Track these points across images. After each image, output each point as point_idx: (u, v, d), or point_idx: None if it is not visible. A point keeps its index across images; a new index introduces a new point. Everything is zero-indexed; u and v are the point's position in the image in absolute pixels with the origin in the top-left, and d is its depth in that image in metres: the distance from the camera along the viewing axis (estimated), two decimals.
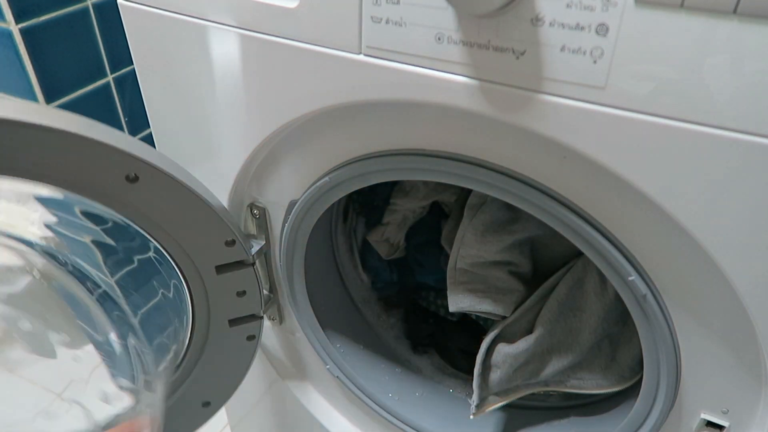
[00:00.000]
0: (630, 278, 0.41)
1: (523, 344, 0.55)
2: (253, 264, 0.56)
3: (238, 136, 0.52)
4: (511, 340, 0.56)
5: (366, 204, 0.69)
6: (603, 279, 0.54)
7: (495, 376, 0.56)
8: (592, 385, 0.56)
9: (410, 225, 0.69)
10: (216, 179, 0.56)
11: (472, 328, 0.76)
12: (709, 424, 0.46)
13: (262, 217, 0.59)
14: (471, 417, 0.57)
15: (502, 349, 0.55)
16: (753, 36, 0.29)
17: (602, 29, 0.33)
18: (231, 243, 0.53)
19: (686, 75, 0.32)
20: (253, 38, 0.44)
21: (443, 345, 0.73)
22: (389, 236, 0.69)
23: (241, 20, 0.44)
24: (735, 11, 0.29)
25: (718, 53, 0.30)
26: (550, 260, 0.58)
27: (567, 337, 0.55)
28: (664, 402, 0.46)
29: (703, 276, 0.39)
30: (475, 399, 0.56)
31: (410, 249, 0.72)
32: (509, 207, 0.56)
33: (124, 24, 0.52)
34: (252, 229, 0.61)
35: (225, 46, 0.46)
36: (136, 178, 0.44)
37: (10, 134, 0.38)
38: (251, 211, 0.60)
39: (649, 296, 0.42)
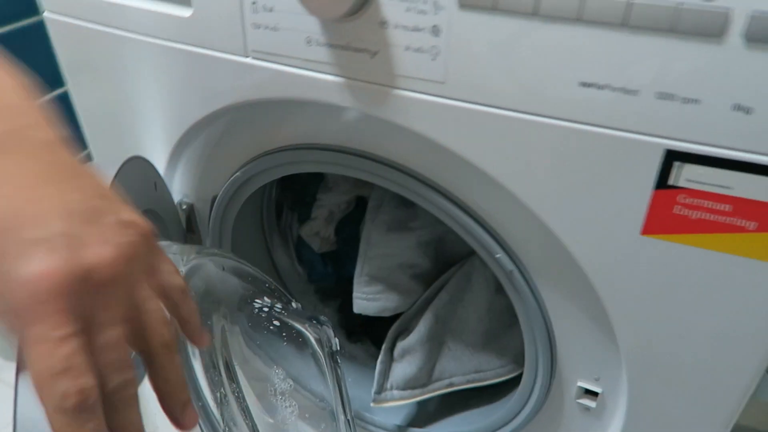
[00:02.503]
0: (497, 256, 0.46)
1: (415, 335, 0.59)
2: None
3: (156, 136, 0.56)
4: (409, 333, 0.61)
5: (296, 200, 0.73)
6: (488, 272, 0.58)
7: (398, 368, 0.60)
8: (492, 375, 0.60)
9: (338, 219, 0.73)
10: None
11: None
12: (587, 392, 0.50)
13: (190, 213, 0.63)
14: (371, 405, 0.61)
15: (399, 344, 0.60)
16: (550, 32, 0.34)
17: (435, 30, 0.37)
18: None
19: (504, 67, 0.36)
20: (154, 45, 0.48)
21: (376, 334, 0.77)
22: (319, 230, 0.73)
23: (143, 29, 0.49)
24: (536, 12, 0.34)
25: (525, 48, 0.35)
26: (451, 259, 0.63)
27: (458, 326, 0.59)
28: (543, 373, 0.50)
29: (558, 253, 0.43)
30: (374, 386, 0.60)
31: (340, 242, 0.76)
32: (405, 205, 0.60)
33: (50, 34, 0.56)
34: (182, 225, 0.65)
35: (132, 53, 0.51)
36: None
37: None
38: (180, 207, 0.64)
39: (516, 273, 0.46)
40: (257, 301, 0.52)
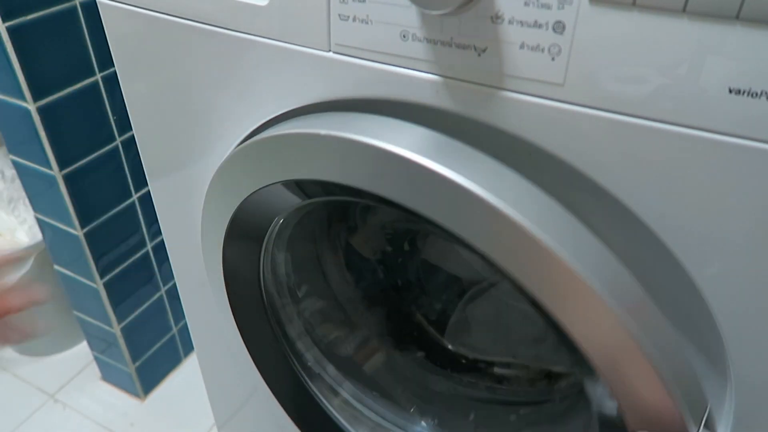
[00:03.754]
0: None
1: None
2: None
3: (218, 136, 0.52)
4: None
5: (347, 210, 0.70)
6: None
7: None
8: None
9: (392, 229, 0.70)
10: (200, 179, 0.57)
11: None
12: None
13: None
14: None
15: None
16: (702, 33, 0.30)
17: (559, 27, 0.33)
18: None
19: (640, 72, 0.32)
20: (226, 36, 0.45)
21: (425, 343, 0.73)
22: (369, 238, 0.69)
23: (213, 18, 0.45)
24: (684, 10, 0.30)
25: (668, 51, 0.31)
26: None
27: None
28: None
29: (665, 270, 0.39)
30: None
31: (392, 248, 0.72)
32: None
33: (104, 22, 0.52)
34: None
35: (199, 44, 0.47)
36: None
37: None
38: None
39: None
40: None
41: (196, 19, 0.46)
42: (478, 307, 0.71)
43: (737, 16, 0.29)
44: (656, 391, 0.37)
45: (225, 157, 0.53)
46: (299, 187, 0.47)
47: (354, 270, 0.73)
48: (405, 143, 0.38)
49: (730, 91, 0.31)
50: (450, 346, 0.72)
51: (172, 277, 1.09)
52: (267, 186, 0.48)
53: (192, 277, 0.68)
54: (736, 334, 0.38)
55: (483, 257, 0.39)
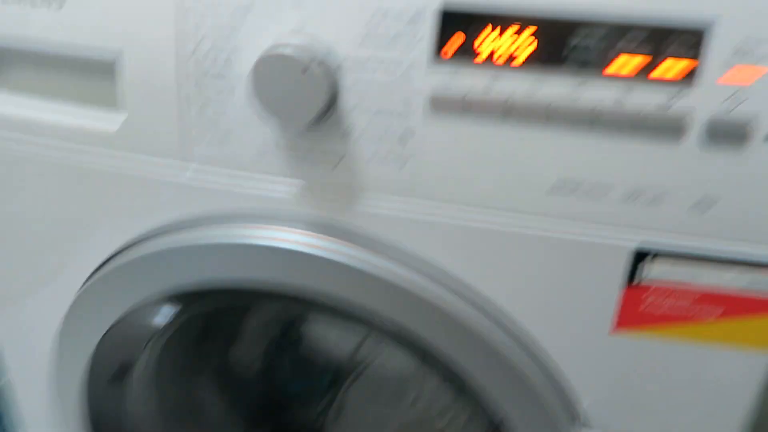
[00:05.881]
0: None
1: None
2: None
3: (71, 265, 0.49)
4: None
5: (218, 325, 0.67)
6: None
7: None
8: None
9: (271, 336, 0.68)
10: (56, 304, 0.52)
11: None
12: None
13: None
14: None
15: None
16: (519, 135, 0.35)
17: (406, 135, 0.36)
18: None
19: (476, 174, 0.36)
20: (74, 167, 0.43)
21: None
22: (247, 350, 0.67)
23: (64, 145, 0.43)
24: (505, 119, 0.35)
25: (495, 152, 0.35)
26: None
27: None
28: None
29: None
30: None
31: (271, 358, 0.70)
32: None
33: None
34: None
35: (52, 173, 0.45)
36: None
37: None
38: None
39: None
40: None
41: (49, 145, 0.44)
42: (357, 390, 0.69)
43: (548, 118, 0.34)
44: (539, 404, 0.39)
45: (83, 285, 0.49)
46: (179, 299, 0.45)
47: (231, 389, 0.69)
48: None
49: (551, 190, 0.35)
50: None
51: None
52: (143, 302, 0.45)
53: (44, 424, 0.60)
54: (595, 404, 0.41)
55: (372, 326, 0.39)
